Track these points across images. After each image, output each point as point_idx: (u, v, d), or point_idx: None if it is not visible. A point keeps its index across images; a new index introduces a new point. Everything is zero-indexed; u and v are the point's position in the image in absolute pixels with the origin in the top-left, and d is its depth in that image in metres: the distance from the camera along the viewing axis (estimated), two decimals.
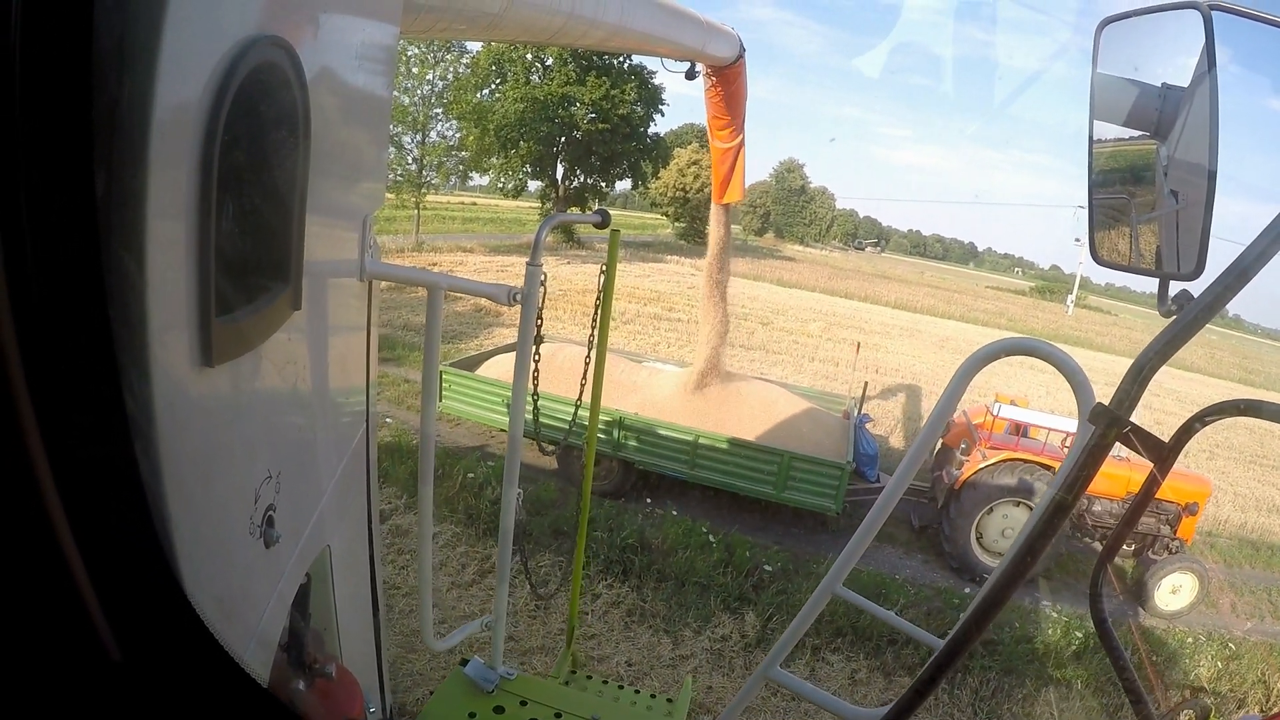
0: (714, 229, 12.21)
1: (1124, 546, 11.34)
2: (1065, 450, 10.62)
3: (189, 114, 1.03)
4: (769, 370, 21.23)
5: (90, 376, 0.90)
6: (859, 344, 16.62)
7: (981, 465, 10.92)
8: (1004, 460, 10.90)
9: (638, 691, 4.83)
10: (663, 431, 10.97)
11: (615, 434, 11.01)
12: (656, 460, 11.07)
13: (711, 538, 10.14)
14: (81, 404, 0.90)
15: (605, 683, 5.05)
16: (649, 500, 11.39)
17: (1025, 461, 10.85)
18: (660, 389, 12.45)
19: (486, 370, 12.63)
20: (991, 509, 10.87)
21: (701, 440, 10.79)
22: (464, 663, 3.80)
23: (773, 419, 11.69)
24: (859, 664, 8.37)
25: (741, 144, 10.88)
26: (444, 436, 12.73)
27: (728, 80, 10.03)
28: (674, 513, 10.94)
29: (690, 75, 9.50)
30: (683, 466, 10.91)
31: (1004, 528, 10.80)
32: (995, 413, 11.54)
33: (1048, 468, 10.64)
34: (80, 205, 0.84)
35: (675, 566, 9.43)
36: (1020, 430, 11.88)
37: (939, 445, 12.76)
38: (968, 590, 10.31)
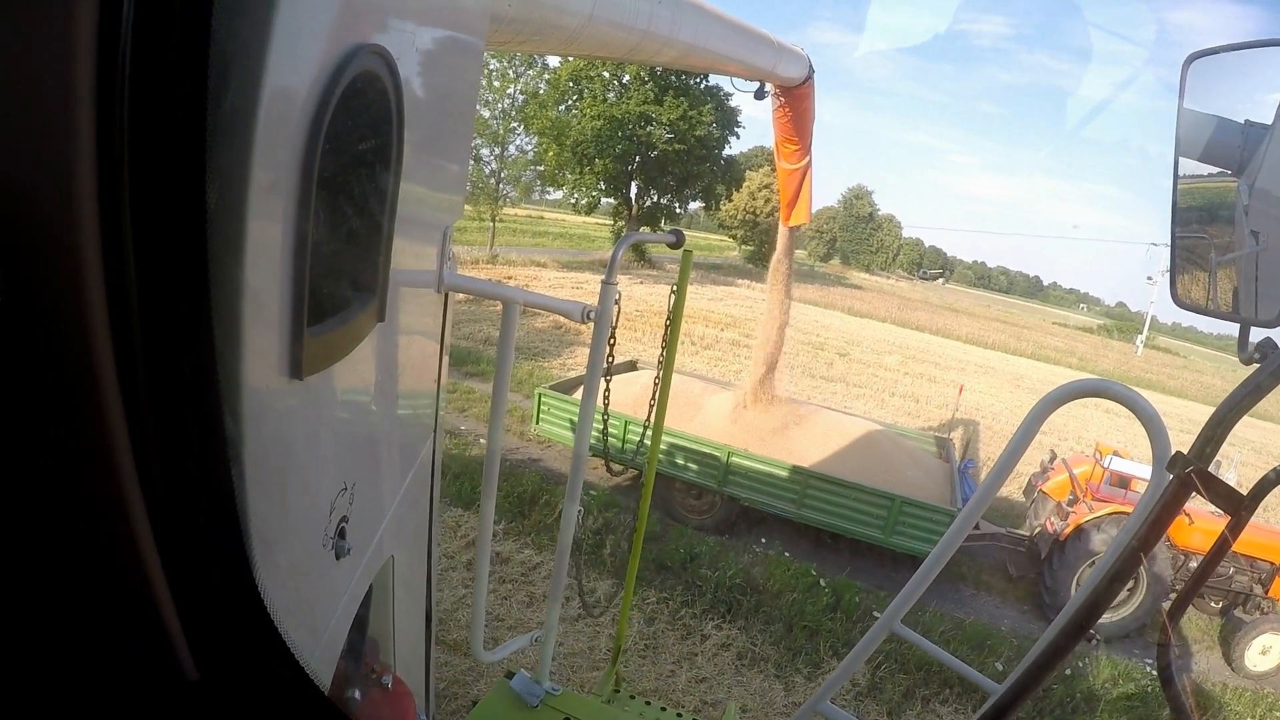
0: (779, 252, 12.09)
1: (1212, 604, 11.26)
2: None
3: (293, 119, 1.02)
4: (852, 404, 20.99)
5: (184, 388, 0.89)
6: (961, 387, 16.35)
7: (1088, 517, 10.70)
8: (1111, 513, 10.66)
9: (680, 714, 4.82)
10: (771, 469, 10.80)
11: (720, 470, 10.87)
12: (763, 498, 10.88)
13: (822, 581, 9.97)
14: (172, 414, 0.89)
15: (648, 703, 5.01)
16: (764, 540, 11.15)
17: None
18: (765, 420, 12.35)
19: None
20: (1094, 562, 10.61)
21: (811, 480, 10.63)
22: (510, 675, 3.85)
23: (875, 459, 11.49)
24: (968, 716, 8.18)
25: (808, 166, 10.80)
26: (541, 460, 12.76)
27: (796, 101, 9.97)
28: (786, 554, 10.73)
29: (759, 95, 9.49)
30: (790, 505, 10.71)
31: None
32: (1106, 465, 11.32)
33: None
34: (186, 211, 0.83)
35: (783, 609, 9.27)
36: (1124, 482, 11.62)
37: (1037, 494, 12.57)
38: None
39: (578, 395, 12.28)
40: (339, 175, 1.21)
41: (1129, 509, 10.40)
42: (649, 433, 5.20)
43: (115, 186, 0.75)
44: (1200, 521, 10.44)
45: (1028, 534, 12.13)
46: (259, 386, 1.05)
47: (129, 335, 0.80)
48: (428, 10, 1.69)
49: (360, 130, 1.27)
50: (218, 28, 0.82)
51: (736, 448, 10.98)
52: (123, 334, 0.80)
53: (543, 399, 12.03)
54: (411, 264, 1.88)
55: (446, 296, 2.35)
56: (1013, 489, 16.01)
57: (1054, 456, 13.14)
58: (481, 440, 12.93)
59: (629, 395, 12.49)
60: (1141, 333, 76.56)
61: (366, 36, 1.20)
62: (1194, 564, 10.74)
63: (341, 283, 1.34)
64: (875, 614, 9.42)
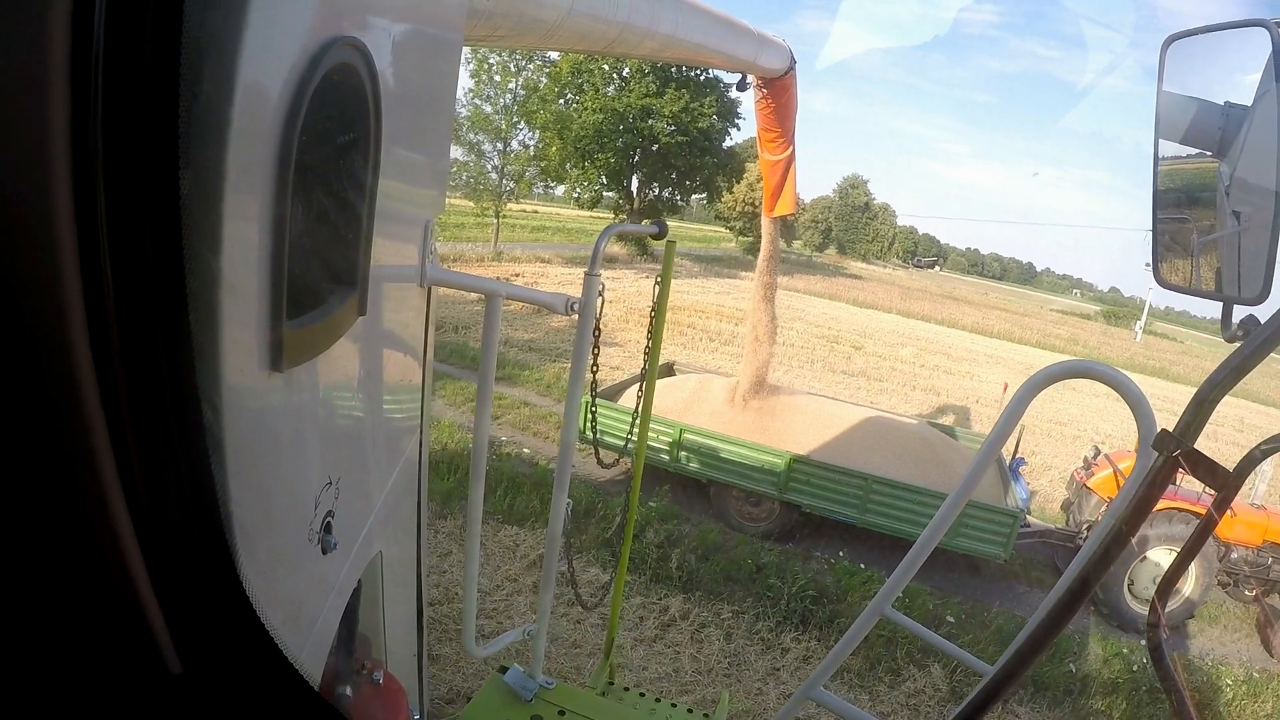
0: (765, 242, 12.15)
1: (1246, 593, 11.35)
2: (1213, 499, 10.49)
3: (268, 112, 1.04)
4: (877, 399, 20.92)
5: (161, 380, 0.90)
6: (1006, 384, 16.27)
7: None
8: (1162, 509, 10.70)
9: (674, 705, 4.83)
10: (834, 474, 10.72)
11: (781, 477, 10.77)
12: (826, 504, 10.79)
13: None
14: (151, 408, 0.90)
15: (642, 695, 5.03)
16: (843, 554, 10.96)
17: (1180, 510, 10.66)
18: (814, 419, 12.31)
19: (628, 400, 12.22)
20: (1145, 557, 10.70)
21: (874, 484, 10.55)
22: (503, 670, 3.85)
23: (930, 461, 11.48)
24: (1044, 715, 8.26)
25: (792, 156, 10.84)
26: (589, 472, 12.68)
27: (778, 92, 10.01)
28: (861, 567, 10.62)
29: (741, 87, 9.65)
30: (853, 511, 10.64)
31: (1155, 575, 10.61)
32: None
33: (1198, 515, 10.50)
34: (161, 203, 0.84)
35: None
36: None
37: (1080, 490, 12.60)
38: (1141, 640, 10.15)
39: (621, 401, 12.19)
40: (316, 168, 1.23)
41: (1179, 504, 10.53)
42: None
43: (90, 180, 0.77)
44: (1242, 513, 10.60)
45: (1074, 530, 12.17)
46: (238, 379, 1.07)
47: (106, 328, 0.81)
48: (404, 4, 1.73)
49: (337, 123, 1.29)
50: (191, 19, 0.84)
51: (797, 453, 10.90)
52: (100, 327, 0.81)
53: (588, 407, 11.86)
54: (392, 258, 1.91)
55: (430, 291, 2.39)
56: (1044, 482, 16.11)
57: (1097, 452, 13.11)
58: (525, 450, 12.83)
59: (674, 400, 12.37)
60: (1140, 319, 76.68)
61: (342, 29, 1.23)
62: (1235, 555, 11.07)
63: (321, 276, 1.36)
64: (949, 619, 9.48)
